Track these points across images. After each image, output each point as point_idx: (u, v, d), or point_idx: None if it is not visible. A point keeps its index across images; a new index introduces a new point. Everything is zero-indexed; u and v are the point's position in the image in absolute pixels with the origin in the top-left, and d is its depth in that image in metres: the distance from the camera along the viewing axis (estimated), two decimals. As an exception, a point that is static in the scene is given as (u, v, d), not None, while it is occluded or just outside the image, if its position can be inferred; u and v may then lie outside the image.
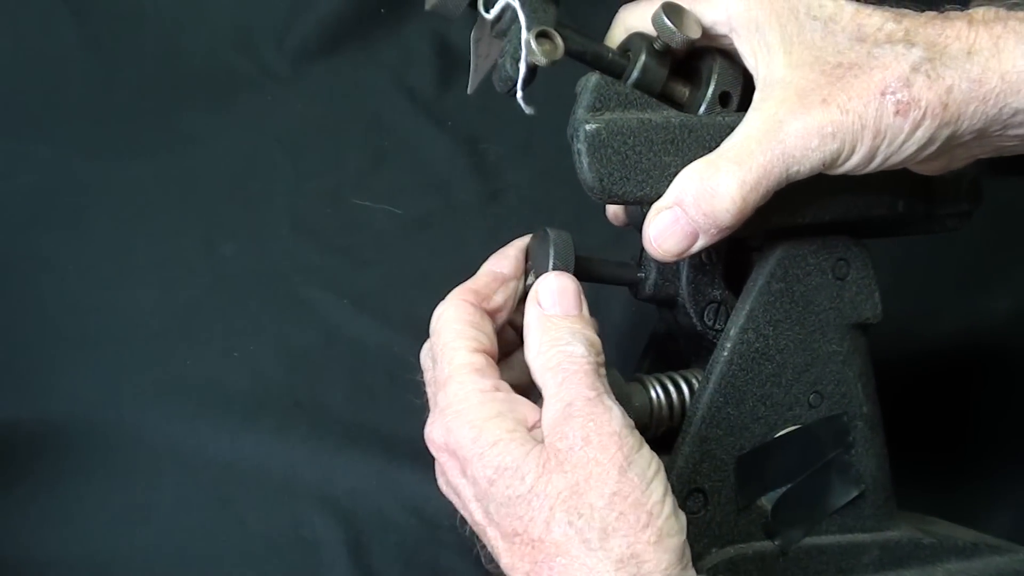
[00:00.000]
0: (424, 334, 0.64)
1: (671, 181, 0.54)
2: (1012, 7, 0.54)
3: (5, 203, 0.86)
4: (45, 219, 0.85)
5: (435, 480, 0.72)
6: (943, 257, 0.84)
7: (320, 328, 0.81)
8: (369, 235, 0.85)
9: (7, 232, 0.84)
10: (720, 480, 0.59)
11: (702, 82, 0.57)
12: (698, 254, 0.59)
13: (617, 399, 0.53)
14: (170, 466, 0.72)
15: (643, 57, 0.56)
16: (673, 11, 0.55)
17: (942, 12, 0.54)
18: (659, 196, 0.55)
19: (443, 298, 0.59)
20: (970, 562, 0.63)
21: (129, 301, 0.81)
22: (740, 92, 0.57)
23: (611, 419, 0.51)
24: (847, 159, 0.53)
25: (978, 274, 0.85)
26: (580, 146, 0.54)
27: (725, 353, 0.58)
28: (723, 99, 0.57)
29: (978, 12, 0.54)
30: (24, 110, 0.91)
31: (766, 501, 0.60)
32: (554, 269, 0.57)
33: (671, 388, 0.60)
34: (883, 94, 0.52)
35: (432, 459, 0.73)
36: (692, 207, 0.53)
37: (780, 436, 0.60)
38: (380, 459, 0.73)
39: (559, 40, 0.54)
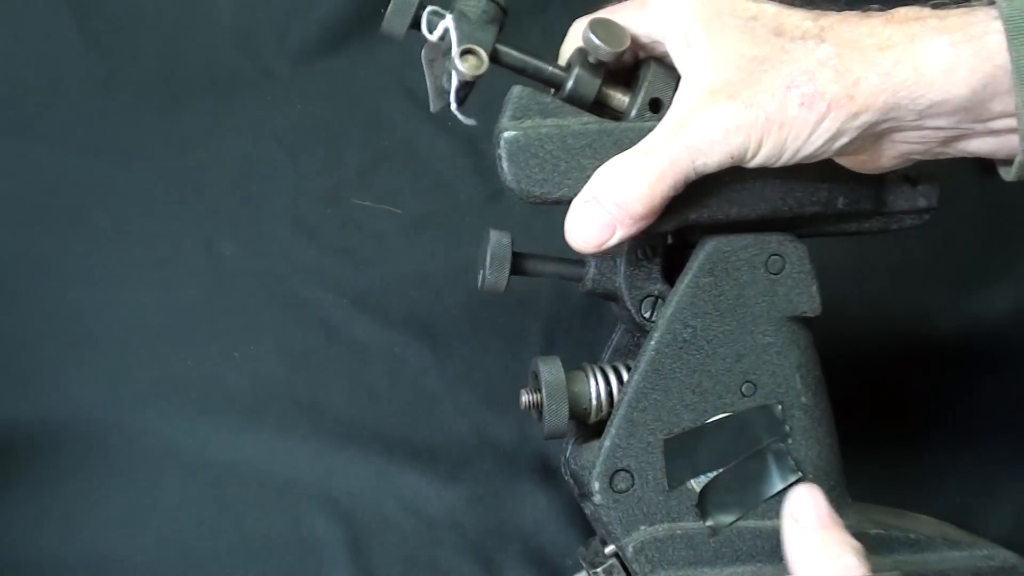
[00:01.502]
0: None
1: None
2: (936, 6, 0.55)
3: (5, 203, 0.86)
4: (45, 219, 0.86)
5: (435, 480, 0.73)
6: (943, 257, 0.84)
7: (320, 328, 0.81)
8: (369, 235, 0.85)
9: (7, 232, 0.84)
10: (648, 461, 0.61)
11: (638, 88, 0.60)
12: (634, 251, 0.63)
13: (555, 386, 0.60)
14: (170, 466, 0.72)
15: (576, 70, 0.60)
16: (601, 26, 0.58)
17: (864, 11, 0.56)
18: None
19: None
20: (922, 555, 0.63)
21: (129, 301, 0.81)
22: (672, 98, 0.59)
23: None
24: (756, 152, 0.55)
25: (978, 274, 0.85)
26: (500, 151, 0.58)
27: (652, 342, 0.61)
28: (653, 105, 0.60)
29: (899, 11, 0.55)
30: (24, 110, 0.91)
31: (696, 483, 0.61)
32: (490, 269, 0.63)
33: (611, 376, 0.63)
34: (789, 88, 0.54)
35: (431, 460, 0.73)
36: (606, 199, 0.56)
37: (710, 422, 0.61)
38: (380, 459, 0.73)
39: (484, 56, 0.58)
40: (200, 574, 0.68)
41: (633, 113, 0.60)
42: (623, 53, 0.58)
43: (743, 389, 0.61)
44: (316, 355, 0.79)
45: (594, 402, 0.63)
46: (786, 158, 0.55)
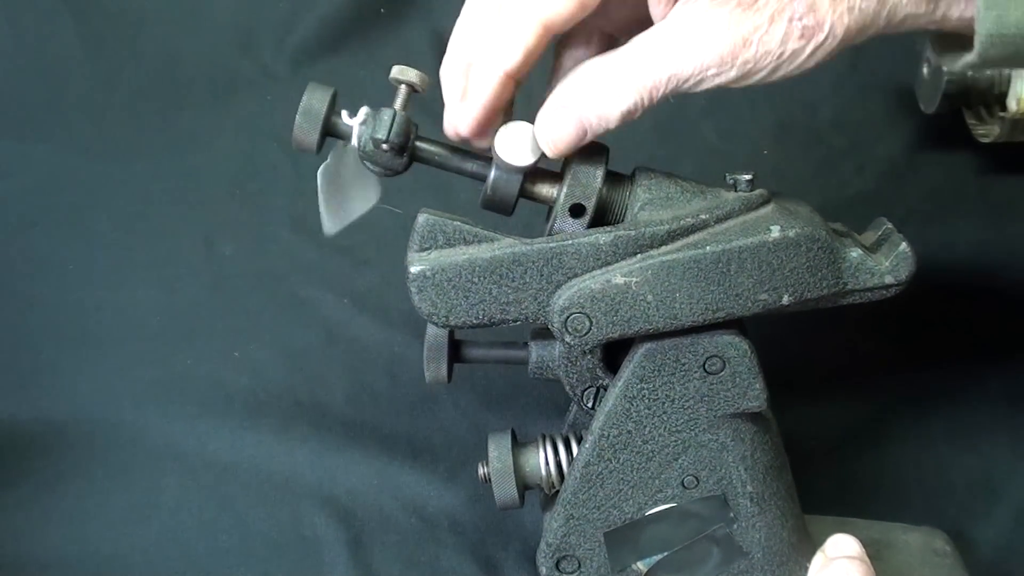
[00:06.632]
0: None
1: (507, 308, 0.57)
2: None
3: (5, 203, 0.86)
4: (45, 219, 0.86)
5: (435, 480, 0.73)
6: (943, 257, 0.84)
7: (320, 328, 0.81)
8: (369, 235, 0.85)
9: (7, 232, 0.84)
10: (592, 548, 0.62)
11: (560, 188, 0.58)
12: (571, 349, 0.61)
13: (501, 471, 0.61)
14: (170, 466, 0.72)
15: (493, 172, 0.58)
16: (509, 136, 0.57)
17: None
18: (499, 321, 0.57)
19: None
20: None
21: (129, 301, 0.81)
22: (596, 202, 0.57)
23: None
24: (743, 76, 0.53)
25: (977, 274, 0.85)
26: (410, 285, 0.56)
27: (587, 445, 0.60)
28: (574, 211, 0.58)
29: None
30: (24, 110, 0.91)
31: (643, 565, 0.62)
32: (427, 364, 0.63)
33: (561, 451, 0.63)
34: (790, 20, 0.52)
35: (431, 459, 0.73)
36: (583, 108, 0.55)
37: (653, 513, 0.61)
38: (380, 459, 0.73)
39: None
40: (200, 574, 0.68)
41: (551, 222, 0.58)
42: (534, 165, 0.57)
43: (685, 482, 0.60)
44: (316, 355, 0.79)
45: (545, 478, 0.63)
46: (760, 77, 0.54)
